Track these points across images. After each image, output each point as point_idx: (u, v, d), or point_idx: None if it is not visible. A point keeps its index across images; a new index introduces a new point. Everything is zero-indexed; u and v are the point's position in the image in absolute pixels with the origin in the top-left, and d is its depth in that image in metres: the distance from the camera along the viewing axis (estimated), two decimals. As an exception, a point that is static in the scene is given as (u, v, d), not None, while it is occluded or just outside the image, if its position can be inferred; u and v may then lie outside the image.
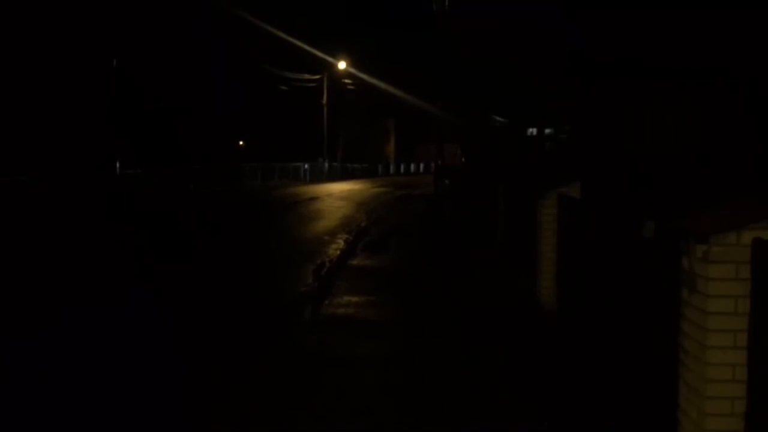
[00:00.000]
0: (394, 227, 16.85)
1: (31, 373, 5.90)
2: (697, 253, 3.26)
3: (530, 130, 17.06)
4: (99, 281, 10.16)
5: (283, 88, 46.04)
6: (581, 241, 6.18)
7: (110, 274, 10.78)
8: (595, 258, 5.62)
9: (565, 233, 6.96)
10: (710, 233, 3.17)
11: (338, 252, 12.77)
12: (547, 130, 16.10)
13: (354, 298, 8.47)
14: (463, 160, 25.10)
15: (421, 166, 71.17)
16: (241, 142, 49.67)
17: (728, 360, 3.18)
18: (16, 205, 16.65)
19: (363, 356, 6.06)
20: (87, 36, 23.40)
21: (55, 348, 6.59)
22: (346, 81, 50.99)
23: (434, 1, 23.84)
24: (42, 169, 17.83)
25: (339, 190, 34.78)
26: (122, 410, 5.06)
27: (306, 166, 46.09)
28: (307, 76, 47.61)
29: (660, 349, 3.87)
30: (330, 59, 47.05)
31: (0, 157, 18.55)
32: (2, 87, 20.87)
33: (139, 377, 5.74)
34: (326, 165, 49.68)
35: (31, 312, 8.13)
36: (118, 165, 21.71)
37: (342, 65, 48.30)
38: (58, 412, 5.03)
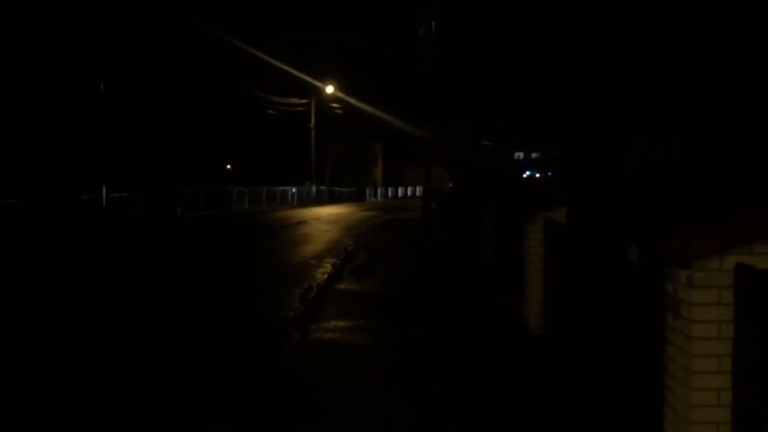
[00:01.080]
0: (382, 251, 16.84)
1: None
2: (680, 278, 3.29)
3: (517, 154, 17.16)
4: (87, 304, 10.07)
5: (271, 112, 46.11)
6: (567, 265, 6.20)
7: (98, 298, 10.69)
8: (581, 282, 5.64)
9: (551, 257, 6.98)
10: (693, 258, 3.20)
11: (325, 276, 12.74)
12: (534, 154, 16.21)
13: (341, 323, 8.43)
14: (450, 184, 25.18)
15: (409, 189, 71.33)
16: (228, 166, 49.63)
17: (713, 385, 3.19)
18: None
19: (351, 380, 6.03)
20: (75, 60, 23.44)
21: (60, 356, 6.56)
22: (334, 105, 51.17)
23: (421, 26, 24.06)
24: (29, 193, 17.72)
25: (327, 213, 34.76)
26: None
27: (293, 189, 46.08)
28: (294, 100, 47.76)
29: (645, 374, 3.88)
30: (317, 83, 47.24)
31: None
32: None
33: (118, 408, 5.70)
34: (314, 189, 49.69)
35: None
36: (104, 190, 21.61)
37: (330, 89, 48.50)
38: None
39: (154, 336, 8.20)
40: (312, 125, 49.24)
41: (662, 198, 6.95)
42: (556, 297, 6.77)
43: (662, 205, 6.75)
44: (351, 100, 48.94)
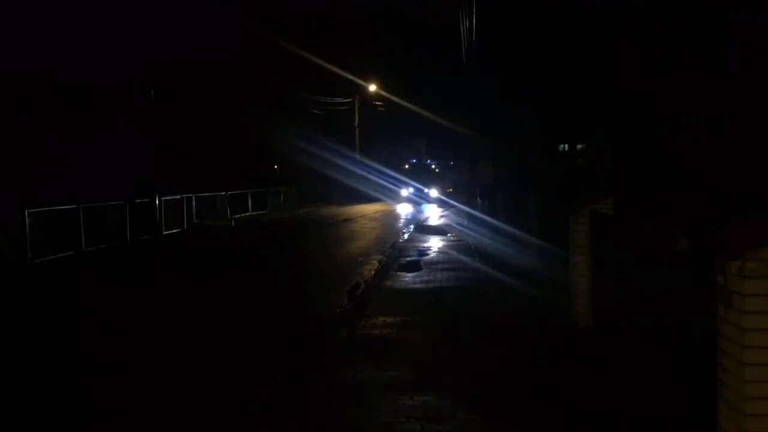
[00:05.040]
0: (428, 247, 16.85)
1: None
2: (731, 269, 3.23)
3: (562, 146, 16.94)
4: (145, 302, 10.37)
5: (316, 111, 46.39)
6: (615, 258, 6.13)
7: (151, 297, 10.99)
8: (630, 275, 5.57)
9: (599, 250, 6.90)
10: (745, 248, 3.14)
11: (372, 273, 12.83)
12: (579, 146, 15.98)
13: (389, 319, 8.47)
14: (492, 179, 24.99)
15: (454, 185, 70.83)
16: (276, 166, 50.08)
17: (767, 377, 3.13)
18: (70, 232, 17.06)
19: (398, 379, 6.06)
20: (124, 67, 23.86)
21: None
22: (377, 102, 51.23)
23: (461, 19, 23.96)
24: (88, 197, 18.20)
25: (372, 211, 34.84)
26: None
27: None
28: (339, 99, 47.96)
29: (698, 366, 3.82)
30: (360, 81, 47.35)
31: (48, 185, 18.93)
32: (47, 119, 21.36)
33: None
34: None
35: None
36: (157, 196, 22.03)
37: (372, 87, 48.61)
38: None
39: (217, 330, 8.40)
40: (356, 123, 49.43)
41: (711, 189, 6.80)
42: (604, 290, 6.69)
43: (711, 196, 6.62)
44: (394, 98, 48.90)
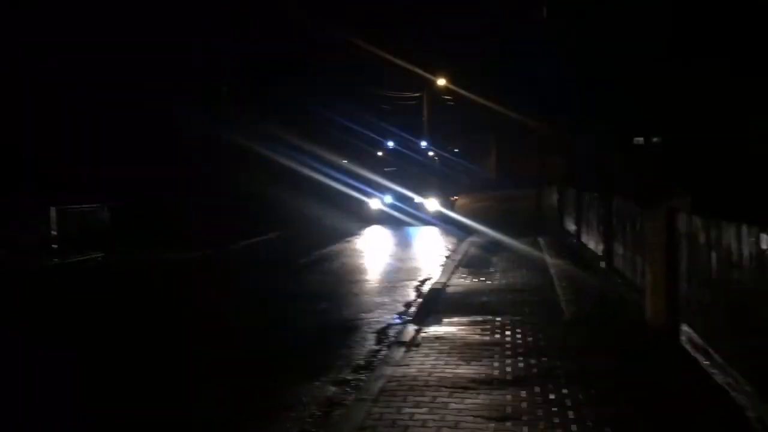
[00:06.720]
0: (496, 241, 16.70)
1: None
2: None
3: (637, 139, 16.44)
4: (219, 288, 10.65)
5: (385, 107, 46.53)
6: (697, 258, 5.91)
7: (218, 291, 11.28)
8: (713, 273, 5.37)
9: (677, 249, 6.66)
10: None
11: (440, 268, 12.80)
12: (655, 139, 15.50)
13: (456, 318, 8.37)
14: (564, 173, 24.42)
15: (523, 179, 69.84)
16: (344, 161, 50.41)
17: None
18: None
19: (467, 378, 5.97)
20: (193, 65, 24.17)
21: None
22: (446, 97, 50.99)
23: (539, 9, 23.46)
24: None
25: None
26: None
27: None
28: (407, 94, 47.98)
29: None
30: (429, 76, 47.08)
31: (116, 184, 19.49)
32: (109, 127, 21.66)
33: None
34: (428, 181, 49.58)
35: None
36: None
37: (441, 81, 48.32)
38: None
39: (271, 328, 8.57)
40: (425, 118, 49.38)
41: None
42: (682, 288, 6.47)
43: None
44: (463, 91, 48.47)
